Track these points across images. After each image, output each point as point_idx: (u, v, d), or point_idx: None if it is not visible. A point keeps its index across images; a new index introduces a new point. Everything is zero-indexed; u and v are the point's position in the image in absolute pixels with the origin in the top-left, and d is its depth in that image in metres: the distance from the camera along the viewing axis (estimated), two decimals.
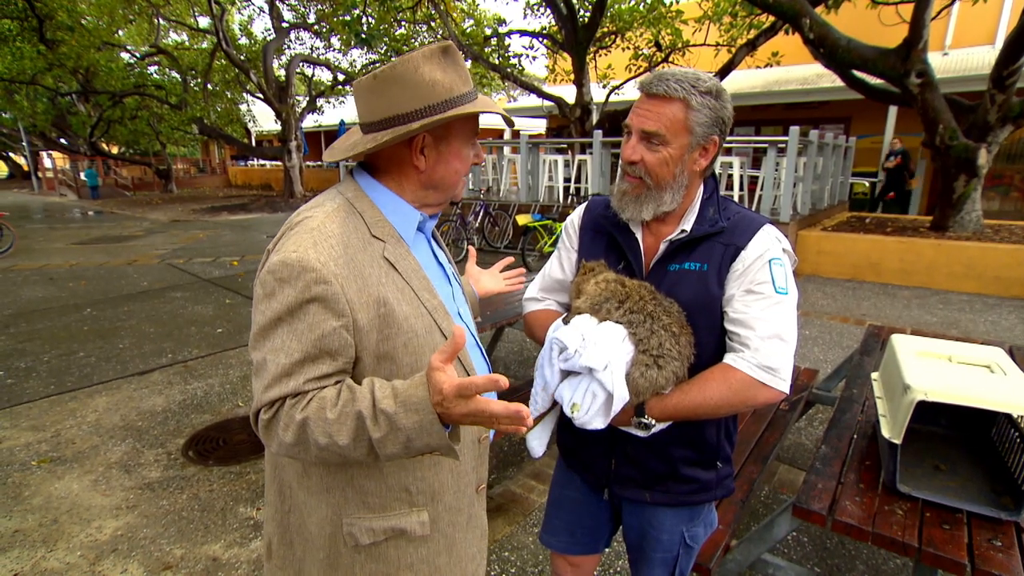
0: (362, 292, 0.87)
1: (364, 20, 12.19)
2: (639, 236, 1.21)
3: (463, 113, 0.92)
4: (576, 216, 1.35)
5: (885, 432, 1.50)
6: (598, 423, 1.09)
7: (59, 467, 2.90)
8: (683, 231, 1.16)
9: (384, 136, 0.90)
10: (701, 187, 1.19)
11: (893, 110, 10.35)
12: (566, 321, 1.17)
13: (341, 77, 18.14)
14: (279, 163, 19.05)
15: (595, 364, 1.05)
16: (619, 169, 1.19)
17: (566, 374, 1.14)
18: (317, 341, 0.83)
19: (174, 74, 19.06)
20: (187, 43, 20.55)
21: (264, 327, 0.85)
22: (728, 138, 1.16)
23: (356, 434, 0.80)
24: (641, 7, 11.84)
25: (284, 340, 0.83)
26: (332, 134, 22.34)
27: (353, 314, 0.86)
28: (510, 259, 1.41)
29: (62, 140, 21.74)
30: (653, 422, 1.13)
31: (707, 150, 1.12)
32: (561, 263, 1.35)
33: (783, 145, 7.09)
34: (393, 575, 0.99)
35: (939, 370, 1.55)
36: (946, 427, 1.74)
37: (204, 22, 18.68)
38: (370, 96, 0.93)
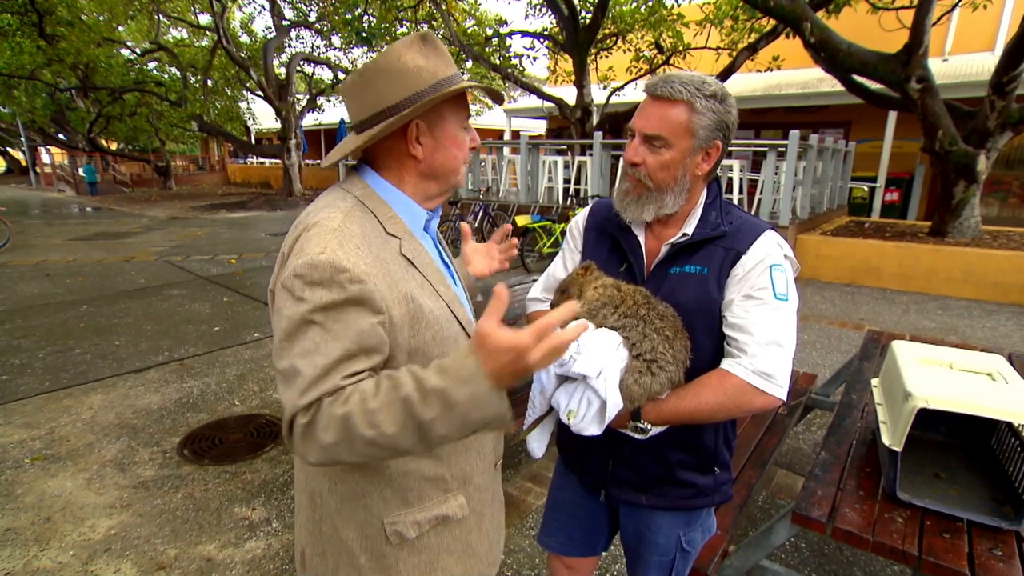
0: (392, 289, 0.87)
1: (365, 19, 12.19)
2: (641, 239, 1.21)
3: (451, 91, 0.91)
4: (581, 218, 1.35)
5: (885, 439, 1.50)
6: (594, 429, 1.09)
7: (53, 465, 2.88)
8: (685, 234, 1.15)
9: (376, 129, 0.90)
10: (704, 191, 1.19)
11: (893, 115, 10.36)
12: (563, 326, 1.17)
13: (342, 76, 18.12)
14: (278, 161, 19.02)
15: (588, 371, 1.05)
16: (620, 169, 1.19)
17: (563, 379, 1.14)
18: (356, 339, 0.81)
19: (174, 71, 19.00)
20: (187, 40, 20.50)
21: (292, 332, 0.81)
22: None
23: (404, 419, 0.76)
24: (642, 9, 11.84)
25: (319, 342, 0.80)
26: (332, 132, 22.29)
27: (388, 311, 0.85)
28: (508, 227, 1.40)
29: (61, 136, 21.65)
30: (649, 426, 1.13)
31: (710, 154, 1.12)
32: (565, 264, 1.35)
33: (783, 149, 7.09)
34: (434, 562, 1.00)
35: (940, 377, 1.55)
36: (946, 435, 1.74)
37: (205, 19, 18.65)
38: (358, 93, 0.92)
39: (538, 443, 1.24)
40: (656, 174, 1.11)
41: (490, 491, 1.09)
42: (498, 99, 1.06)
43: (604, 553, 1.51)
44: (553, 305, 1.22)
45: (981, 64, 9.97)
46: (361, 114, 0.93)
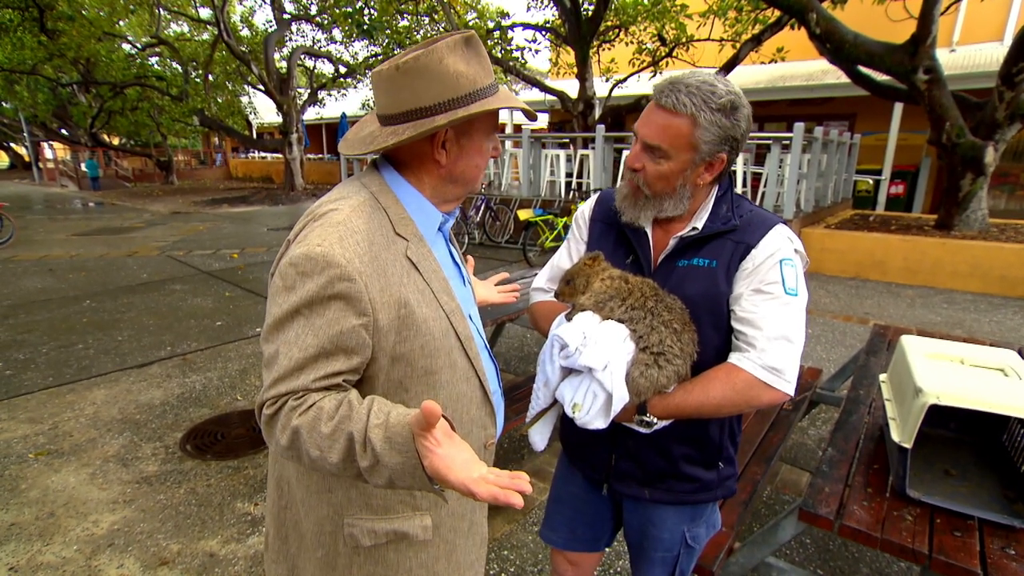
0: (384, 292, 0.85)
1: (366, 12, 12.11)
2: (649, 231, 1.19)
3: (486, 110, 0.89)
4: (587, 207, 1.33)
5: (894, 436, 1.47)
6: (599, 423, 1.08)
7: (56, 460, 2.88)
8: (694, 228, 1.13)
9: (406, 131, 0.88)
10: (715, 187, 1.17)
11: (899, 107, 10.25)
12: (569, 317, 1.15)
13: (343, 69, 18.04)
14: (280, 155, 18.99)
15: (594, 364, 1.04)
16: (623, 167, 1.17)
17: (567, 371, 1.13)
18: (335, 337, 0.81)
19: (175, 65, 18.98)
20: (188, 34, 20.44)
21: (280, 319, 0.82)
22: None
23: (346, 455, 0.77)
24: (645, 1, 11.73)
25: (300, 333, 0.81)
26: (333, 127, 22.20)
27: (374, 314, 0.84)
28: (505, 275, 1.44)
29: (63, 131, 21.67)
30: (655, 420, 1.11)
31: (713, 166, 1.09)
32: (570, 253, 1.33)
33: (787, 142, 7.03)
34: None
35: (951, 373, 1.52)
36: (956, 431, 1.71)
37: (205, 13, 18.55)
38: (391, 87, 0.89)
39: (540, 436, 1.23)
40: (654, 183, 1.09)
41: (468, 521, 1.06)
42: (532, 117, 1.05)
43: (607, 549, 1.49)
44: (557, 295, 1.20)
45: (990, 54, 9.86)
46: (391, 108, 0.91)
